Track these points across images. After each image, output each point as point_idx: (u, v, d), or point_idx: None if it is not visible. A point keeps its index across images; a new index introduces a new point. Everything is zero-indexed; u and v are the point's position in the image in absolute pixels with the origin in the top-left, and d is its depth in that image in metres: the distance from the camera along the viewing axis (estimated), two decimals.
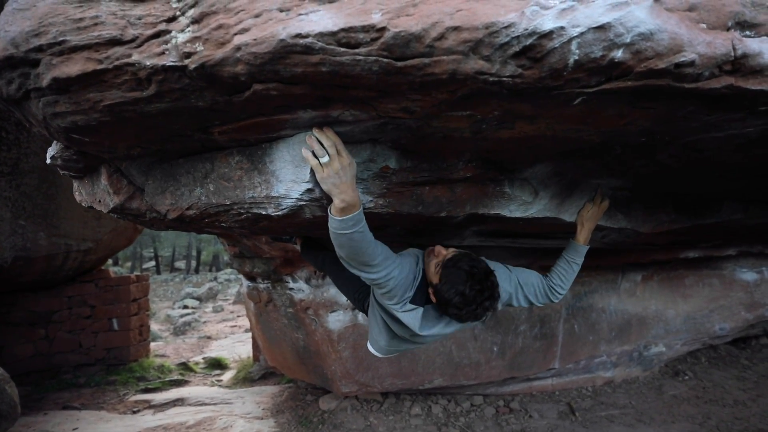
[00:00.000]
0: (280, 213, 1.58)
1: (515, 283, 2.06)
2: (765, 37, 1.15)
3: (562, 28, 1.05)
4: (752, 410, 4.42)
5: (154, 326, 11.71)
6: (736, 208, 2.61)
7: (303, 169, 1.48)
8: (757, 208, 2.67)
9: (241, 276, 5.57)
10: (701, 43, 1.09)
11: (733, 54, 1.11)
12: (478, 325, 2.01)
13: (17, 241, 5.63)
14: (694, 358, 5.73)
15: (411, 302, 1.80)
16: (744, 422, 4.21)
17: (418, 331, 1.83)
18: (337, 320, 4.42)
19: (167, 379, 7.20)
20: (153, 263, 29.70)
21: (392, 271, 1.70)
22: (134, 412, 5.84)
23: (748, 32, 1.15)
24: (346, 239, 1.52)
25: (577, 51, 1.08)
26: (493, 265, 1.97)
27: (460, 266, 1.71)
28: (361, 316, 4.36)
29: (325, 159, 1.40)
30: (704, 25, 1.12)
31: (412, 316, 1.81)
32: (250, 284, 5.18)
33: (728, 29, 1.14)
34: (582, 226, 2.13)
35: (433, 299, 1.80)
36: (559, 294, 2.14)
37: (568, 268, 2.15)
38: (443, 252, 1.82)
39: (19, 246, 5.66)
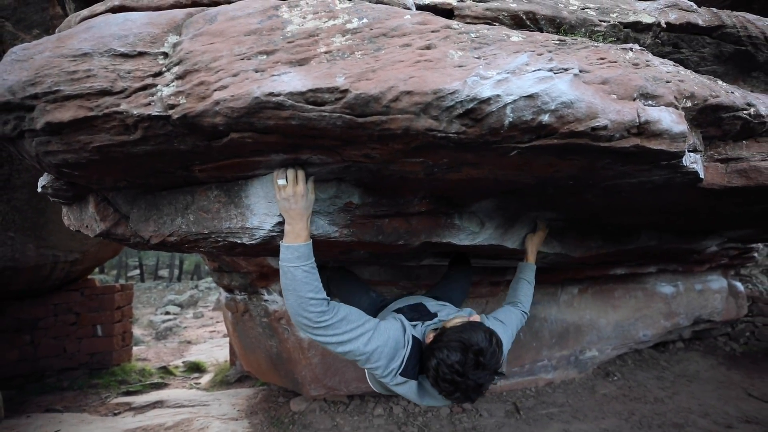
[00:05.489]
0: (253, 242, 1.58)
1: (509, 336, 1.84)
2: (663, 107, 1.25)
3: (498, 95, 1.12)
4: (668, 406, 4.60)
5: (137, 331, 11.29)
6: (652, 236, 2.76)
7: (275, 204, 1.50)
8: (668, 236, 2.82)
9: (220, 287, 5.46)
10: (612, 111, 1.18)
11: (638, 120, 1.20)
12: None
13: (6, 252, 5.37)
14: (622, 360, 5.91)
15: (401, 374, 1.48)
16: (662, 417, 4.38)
17: (420, 403, 1.55)
18: None
19: (148, 382, 6.93)
20: (138, 272, 28.64)
21: (360, 337, 1.43)
22: (115, 414, 5.59)
23: (650, 102, 1.25)
24: (290, 276, 1.39)
25: (511, 114, 1.15)
26: (493, 325, 1.72)
27: (457, 334, 1.40)
28: None
29: (281, 182, 1.44)
30: (615, 96, 1.21)
31: (405, 389, 1.52)
32: (228, 295, 5.09)
33: (634, 99, 1.23)
34: (531, 250, 2.24)
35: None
36: (528, 314, 2.09)
37: (529, 288, 2.18)
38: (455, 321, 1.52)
39: (8, 257, 5.41)
